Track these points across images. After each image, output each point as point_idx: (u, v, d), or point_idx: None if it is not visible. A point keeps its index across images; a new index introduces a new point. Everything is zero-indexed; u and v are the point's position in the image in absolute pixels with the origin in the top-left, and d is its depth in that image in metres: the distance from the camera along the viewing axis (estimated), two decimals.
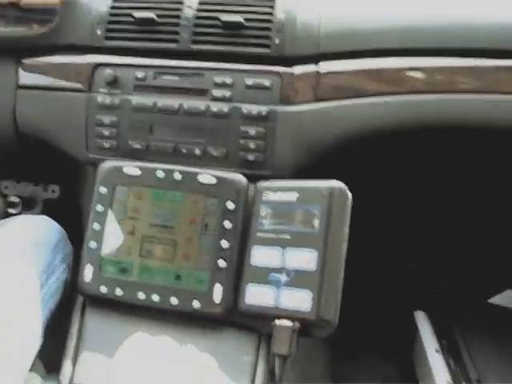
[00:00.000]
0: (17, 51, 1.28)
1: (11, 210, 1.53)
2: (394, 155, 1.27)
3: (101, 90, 1.22)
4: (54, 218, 1.29)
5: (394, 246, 1.61)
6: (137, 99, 1.20)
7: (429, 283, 1.68)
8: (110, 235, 1.13)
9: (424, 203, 1.51)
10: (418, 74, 1.15)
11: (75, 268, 1.19)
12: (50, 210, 1.47)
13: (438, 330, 1.61)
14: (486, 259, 1.63)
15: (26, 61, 1.29)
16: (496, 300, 1.70)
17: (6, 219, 1.23)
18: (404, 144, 1.22)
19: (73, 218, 1.29)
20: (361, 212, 1.09)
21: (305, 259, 1.03)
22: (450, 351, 1.55)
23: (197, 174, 1.12)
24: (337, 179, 1.06)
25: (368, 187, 1.19)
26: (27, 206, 1.53)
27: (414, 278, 1.68)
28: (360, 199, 1.08)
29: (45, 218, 1.25)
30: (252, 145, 1.15)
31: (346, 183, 1.06)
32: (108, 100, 1.21)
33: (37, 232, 1.18)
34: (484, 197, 1.48)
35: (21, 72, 1.28)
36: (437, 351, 1.54)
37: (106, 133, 1.20)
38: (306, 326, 1.03)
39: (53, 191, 1.53)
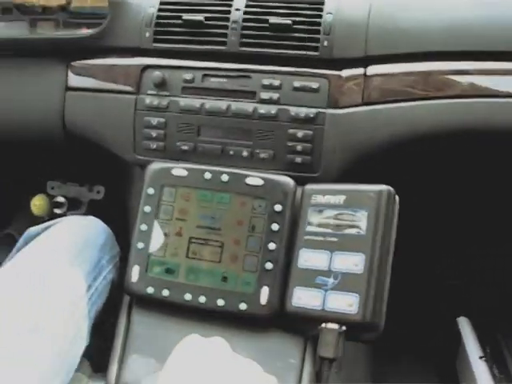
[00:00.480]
0: (66, 54, 1.30)
1: (57, 210, 1.55)
2: (439, 159, 1.27)
3: (149, 91, 1.23)
4: (100, 219, 1.29)
5: (438, 250, 1.61)
6: (184, 101, 1.21)
7: (473, 289, 1.66)
8: (158, 236, 1.14)
9: (466, 206, 1.50)
10: (466, 78, 1.14)
11: (122, 268, 1.20)
12: (95, 210, 1.49)
13: (482, 336, 1.59)
14: None
15: (75, 63, 1.30)
16: None
17: (55, 220, 1.24)
18: (451, 147, 1.22)
19: (118, 219, 1.29)
20: (407, 216, 1.09)
21: (352, 262, 1.03)
22: (494, 358, 1.53)
23: (244, 175, 1.12)
24: (383, 182, 1.06)
25: (414, 191, 1.18)
26: (73, 206, 1.55)
27: (458, 284, 1.66)
28: (407, 203, 1.08)
29: (92, 218, 1.26)
30: (299, 147, 1.15)
31: (393, 186, 1.06)
32: (156, 102, 1.21)
33: (84, 233, 1.20)
34: None
35: (70, 74, 1.30)
36: (480, 358, 1.52)
37: (154, 134, 1.21)
38: (352, 330, 1.02)
39: (98, 192, 1.55)
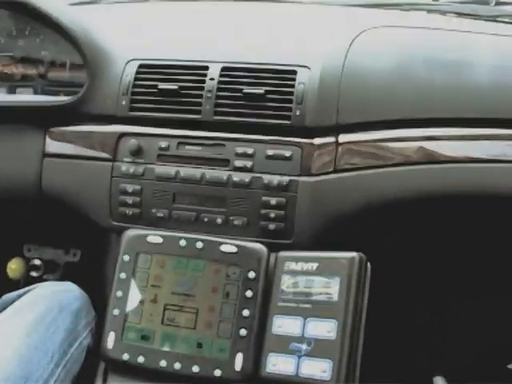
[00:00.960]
0: (44, 120, 1.32)
1: (33, 273, 1.55)
2: (410, 223, 1.29)
3: (125, 159, 1.25)
4: (75, 281, 1.30)
5: (412, 311, 1.62)
6: (160, 168, 1.23)
7: (448, 349, 1.67)
8: (133, 303, 1.15)
9: (441, 263, 1.52)
10: (436, 144, 1.16)
11: (98, 334, 1.20)
12: (72, 273, 1.50)
13: None
14: (505, 324, 1.63)
15: (53, 129, 1.32)
16: None
17: (31, 286, 1.25)
18: (421, 212, 1.24)
19: (94, 283, 1.30)
20: (381, 277, 1.11)
21: (325, 329, 1.05)
22: None
23: (219, 243, 1.15)
24: (356, 249, 1.08)
25: (387, 255, 1.20)
26: (49, 268, 1.56)
27: (434, 344, 1.67)
28: (379, 267, 1.10)
29: (68, 284, 1.27)
30: (273, 214, 1.17)
31: (365, 252, 1.08)
32: (132, 169, 1.24)
33: (60, 299, 1.20)
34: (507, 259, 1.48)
35: (48, 140, 1.32)
36: None
37: (130, 201, 1.23)
38: None
39: (74, 255, 1.56)
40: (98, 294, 1.26)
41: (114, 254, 1.21)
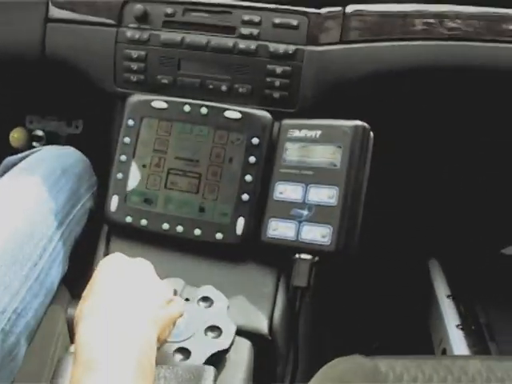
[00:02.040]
0: None
1: (35, 144, 1.55)
2: (416, 98, 1.28)
3: (130, 25, 1.24)
4: None
5: (410, 191, 1.63)
6: (165, 35, 1.22)
7: (444, 232, 1.69)
8: (137, 167, 1.16)
9: (442, 152, 1.52)
10: (445, 22, 1.15)
11: (100, 198, 1.22)
12: (74, 144, 1.49)
13: (451, 277, 1.63)
14: (500, 209, 1.64)
15: None
16: (509, 251, 1.73)
17: (33, 149, 1.25)
18: (427, 87, 1.23)
19: (96, 152, 1.30)
20: (381, 153, 1.11)
21: (326, 195, 1.06)
22: (461, 297, 1.57)
23: (223, 109, 1.14)
24: (359, 119, 1.08)
25: (390, 128, 1.20)
26: (51, 140, 1.56)
27: (430, 228, 1.69)
28: (382, 140, 1.10)
29: (70, 148, 1.27)
30: (277, 83, 1.17)
31: (369, 123, 1.08)
32: (137, 35, 1.22)
33: (62, 162, 1.21)
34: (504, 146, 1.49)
35: (51, 7, 1.29)
36: (448, 297, 1.57)
37: (134, 67, 1.22)
38: (325, 260, 1.05)
39: (76, 127, 1.56)
40: (101, 163, 1.26)
41: (118, 122, 1.21)
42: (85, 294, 0.81)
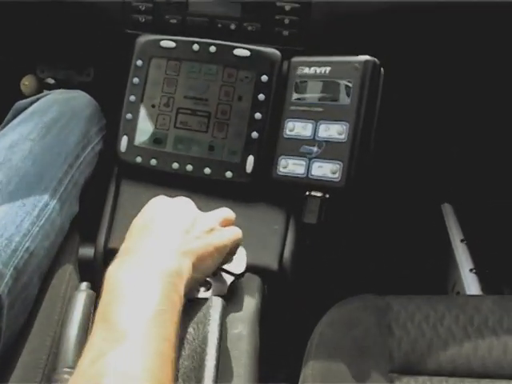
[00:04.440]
0: None
1: (46, 92, 1.54)
2: (429, 35, 1.26)
3: None
4: None
5: (422, 133, 1.62)
6: None
7: (457, 177, 1.68)
8: (146, 107, 1.15)
9: (457, 91, 1.50)
10: None
11: (110, 141, 1.21)
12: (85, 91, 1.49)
13: (464, 221, 1.62)
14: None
15: None
16: None
17: (43, 93, 1.25)
18: (439, 23, 1.21)
19: (107, 100, 1.30)
20: (392, 91, 1.10)
21: (336, 131, 1.05)
22: (475, 241, 1.56)
23: (232, 47, 1.13)
24: (370, 53, 1.07)
25: (400, 67, 1.19)
26: (62, 88, 1.54)
27: (443, 172, 1.68)
28: (392, 78, 1.09)
29: (80, 92, 1.27)
30: (287, 20, 1.15)
31: (379, 59, 1.07)
32: None
33: (72, 104, 1.21)
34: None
35: None
36: (461, 241, 1.56)
37: (143, 8, 1.21)
38: (335, 196, 1.05)
39: (87, 74, 1.55)
40: (112, 110, 1.25)
41: (127, 66, 1.20)
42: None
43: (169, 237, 0.80)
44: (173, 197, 0.90)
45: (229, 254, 0.90)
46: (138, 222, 0.84)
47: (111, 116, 1.25)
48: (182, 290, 0.75)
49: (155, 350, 0.65)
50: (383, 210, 1.63)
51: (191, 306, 0.84)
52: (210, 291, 0.92)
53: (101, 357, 0.63)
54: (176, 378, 0.70)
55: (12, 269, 0.91)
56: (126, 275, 0.73)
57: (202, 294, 0.91)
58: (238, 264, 0.95)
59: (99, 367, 0.62)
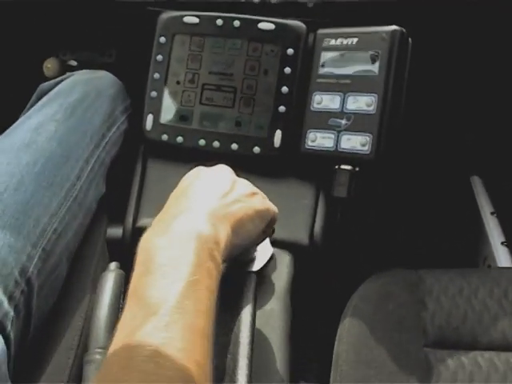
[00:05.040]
0: None
1: (70, 73, 1.54)
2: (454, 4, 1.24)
3: None
4: None
5: (450, 106, 1.59)
6: None
7: (485, 149, 1.66)
8: (170, 84, 1.14)
9: (486, 63, 1.48)
10: None
11: (135, 120, 1.20)
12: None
13: (493, 194, 1.60)
14: None
15: None
16: None
17: (66, 75, 1.24)
18: None
19: (131, 80, 1.29)
20: (419, 62, 1.08)
21: (365, 103, 1.03)
22: (505, 214, 1.54)
23: (256, 20, 1.12)
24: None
25: (429, 36, 1.17)
26: (85, 69, 1.54)
27: (471, 145, 1.66)
28: (419, 48, 1.07)
29: (104, 72, 1.26)
30: None
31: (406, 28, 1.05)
32: None
33: (97, 84, 1.20)
34: None
35: None
36: (492, 214, 1.54)
37: None
38: (365, 169, 1.03)
39: (109, 55, 1.54)
40: (137, 90, 1.24)
41: (150, 45, 1.19)
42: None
43: (205, 200, 0.77)
44: None
45: (269, 225, 0.87)
46: (175, 192, 0.81)
47: (135, 96, 1.24)
48: (219, 257, 0.72)
49: (189, 325, 0.63)
50: (411, 183, 1.62)
51: (226, 279, 0.83)
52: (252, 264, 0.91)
53: (131, 336, 0.61)
54: (213, 353, 0.69)
55: (41, 250, 0.91)
56: (158, 241, 0.70)
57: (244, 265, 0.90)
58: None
59: (130, 348, 0.60)
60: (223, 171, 0.85)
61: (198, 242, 0.70)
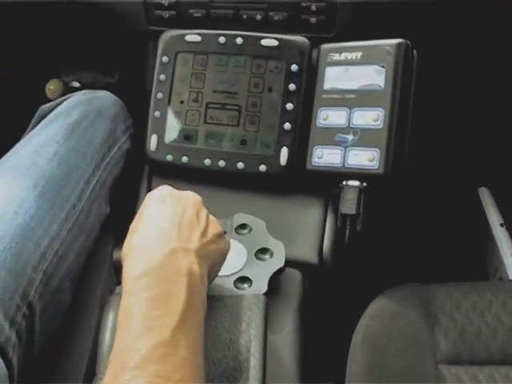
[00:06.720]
0: None
1: (70, 94, 1.53)
2: (459, 16, 1.23)
3: None
4: None
5: (458, 117, 1.59)
6: None
7: (493, 160, 1.65)
8: (174, 104, 1.13)
9: (492, 75, 1.47)
10: None
11: (137, 139, 1.20)
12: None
13: (502, 205, 1.59)
14: None
15: None
16: None
17: (66, 95, 1.24)
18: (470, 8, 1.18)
19: (133, 100, 1.28)
20: (426, 74, 1.07)
21: (371, 118, 1.02)
22: None
23: (259, 37, 1.11)
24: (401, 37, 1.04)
25: (432, 48, 1.16)
26: None
27: (479, 156, 1.65)
28: (425, 60, 1.06)
29: (105, 92, 1.26)
30: (314, 7, 1.12)
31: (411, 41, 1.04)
32: None
33: (97, 104, 1.19)
34: None
35: None
36: (501, 225, 1.53)
37: (166, 3, 1.19)
38: (373, 185, 1.02)
39: (112, 76, 1.53)
40: (139, 110, 1.24)
41: (152, 64, 1.18)
42: (132, 226, 0.77)
43: (189, 240, 0.75)
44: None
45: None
46: (145, 210, 0.78)
47: (138, 116, 1.23)
48: (204, 294, 0.72)
49: (183, 358, 0.62)
50: (419, 196, 1.61)
51: (233, 303, 0.82)
52: (251, 288, 0.90)
53: (124, 370, 0.59)
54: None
55: (41, 273, 0.90)
56: (145, 278, 0.68)
57: (243, 291, 0.89)
58: (277, 259, 0.92)
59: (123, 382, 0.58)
60: (195, 204, 0.82)
61: (187, 281, 0.69)
